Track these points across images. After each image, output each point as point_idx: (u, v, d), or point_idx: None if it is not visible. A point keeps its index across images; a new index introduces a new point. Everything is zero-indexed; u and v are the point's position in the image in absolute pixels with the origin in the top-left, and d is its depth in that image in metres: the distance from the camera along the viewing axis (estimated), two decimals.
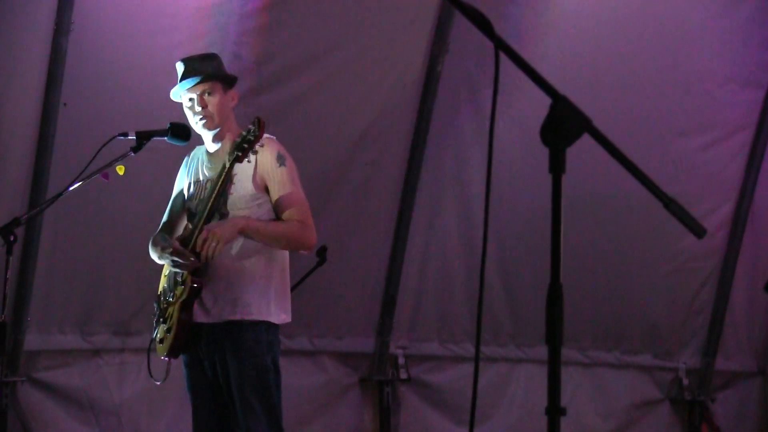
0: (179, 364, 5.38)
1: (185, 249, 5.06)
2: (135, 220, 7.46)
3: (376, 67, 8.02)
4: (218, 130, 5.24)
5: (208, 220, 5.08)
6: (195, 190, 5.31)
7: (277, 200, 5.14)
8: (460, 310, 8.60)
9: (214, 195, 5.01)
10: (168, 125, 5.26)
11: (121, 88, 7.21)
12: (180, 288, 5.11)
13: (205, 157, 5.33)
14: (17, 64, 7.01)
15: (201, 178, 5.30)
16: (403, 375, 8.55)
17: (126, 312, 7.63)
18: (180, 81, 5.25)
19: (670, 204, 2.62)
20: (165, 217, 5.48)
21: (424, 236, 8.48)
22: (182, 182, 5.43)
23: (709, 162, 9.03)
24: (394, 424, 8.54)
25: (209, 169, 5.27)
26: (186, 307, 5.10)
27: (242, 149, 4.89)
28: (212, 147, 5.29)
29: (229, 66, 5.59)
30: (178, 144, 5.30)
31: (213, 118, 5.21)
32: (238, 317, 5.11)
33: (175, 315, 5.12)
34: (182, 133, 5.28)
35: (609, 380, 9.19)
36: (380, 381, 8.53)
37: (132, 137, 5.20)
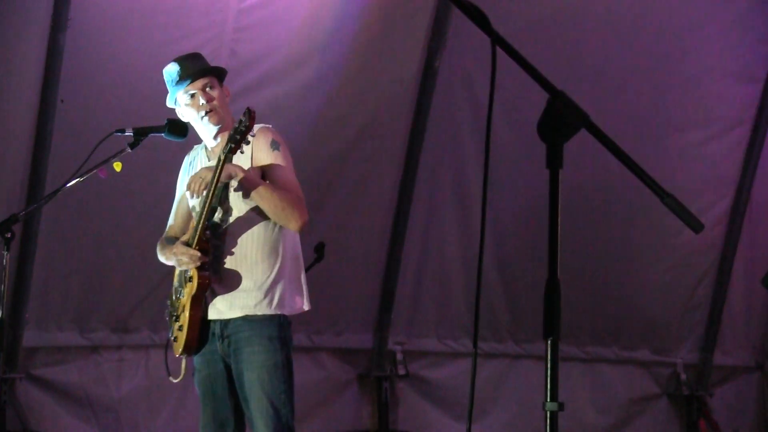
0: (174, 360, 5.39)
1: (188, 247, 5.06)
2: (133, 217, 7.47)
3: (373, 63, 8.02)
4: (221, 124, 5.23)
5: (209, 216, 5.07)
6: None
7: (271, 180, 5.12)
8: (458, 307, 8.60)
9: (212, 189, 5.00)
10: (165, 121, 5.25)
11: (118, 84, 7.21)
12: (189, 284, 5.11)
13: (205, 155, 5.32)
14: (14, 61, 7.00)
15: None
16: (402, 371, 8.56)
17: (124, 309, 7.63)
18: (177, 81, 5.22)
19: (667, 199, 2.62)
20: (171, 221, 5.45)
21: (422, 233, 8.49)
22: (184, 184, 5.42)
23: (707, 157, 9.03)
24: (393, 420, 8.55)
25: (209, 166, 5.26)
26: (196, 302, 5.10)
27: (235, 140, 4.88)
28: (212, 143, 5.28)
29: (226, 62, 5.58)
30: (175, 140, 5.29)
31: (217, 110, 5.21)
32: (250, 312, 5.10)
33: (186, 312, 5.12)
34: (179, 129, 5.27)
35: (607, 376, 9.20)
36: (378, 377, 8.53)
37: (129, 133, 5.19)
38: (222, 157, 4.94)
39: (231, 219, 5.11)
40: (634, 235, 8.96)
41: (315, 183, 7.41)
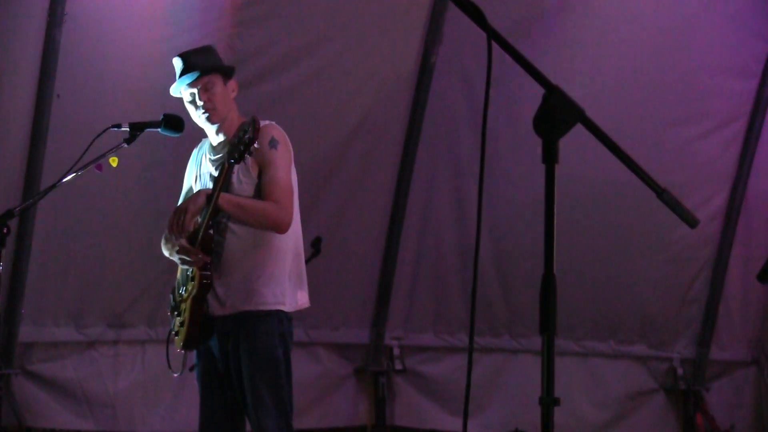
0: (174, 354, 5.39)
1: (192, 246, 5.05)
2: (130, 212, 7.47)
3: (370, 57, 8.02)
4: (222, 122, 5.23)
5: (212, 216, 5.07)
6: (200, 184, 5.30)
7: (261, 180, 5.13)
8: (454, 301, 8.61)
9: (216, 195, 4.99)
10: (161, 116, 5.25)
11: (114, 79, 7.20)
12: (191, 284, 5.12)
13: (208, 150, 5.32)
14: (10, 56, 6.99)
15: (204, 171, 5.30)
16: (398, 366, 8.56)
17: (120, 304, 7.63)
18: (179, 77, 5.23)
19: (663, 194, 2.63)
20: None
21: (419, 227, 8.49)
22: (191, 176, 5.42)
23: (703, 152, 9.03)
24: (389, 415, 8.55)
25: (213, 161, 5.26)
26: (197, 301, 5.11)
27: (238, 151, 4.87)
28: (216, 139, 5.28)
29: (223, 57, 5.57)
30: (171, 135, 5.29)
31: (216, 111, 5.20)
32: (250, 307, 5.11)
33: (188, 310, 5.13)
34: (175, 124, 5.27)
35: (604, 370, 9.20)
36: (375, 372, 8.54)
37: (125, 128, 5.18)
38: (226, 166, 4.93)
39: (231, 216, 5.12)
40: (631, 230, 8.96)
41: (312, 178, 7.41)
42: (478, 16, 2.63)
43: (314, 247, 6.92)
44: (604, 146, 2.61)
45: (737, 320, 9.54)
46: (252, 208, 5.08)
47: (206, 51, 5.33)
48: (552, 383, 2.54)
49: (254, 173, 5.13)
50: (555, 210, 2.57)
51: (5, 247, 5.08)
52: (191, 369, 5.44)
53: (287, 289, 5.18)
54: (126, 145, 5.20)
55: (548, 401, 2.54)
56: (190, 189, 5.39)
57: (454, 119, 8.33)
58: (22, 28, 6.96)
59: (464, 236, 8.47)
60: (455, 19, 7.90)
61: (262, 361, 5.08)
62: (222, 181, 4.96)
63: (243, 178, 5.11)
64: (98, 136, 5.11)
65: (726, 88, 8.98)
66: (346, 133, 8.11)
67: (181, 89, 5.26)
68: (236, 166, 5.06)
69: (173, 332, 5.28)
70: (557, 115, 2.55)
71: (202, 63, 5.22)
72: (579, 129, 2.61)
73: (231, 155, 4.88)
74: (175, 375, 5.38)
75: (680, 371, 9.36)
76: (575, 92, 2.61)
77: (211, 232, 5.09)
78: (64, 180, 5.13)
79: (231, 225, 5.10)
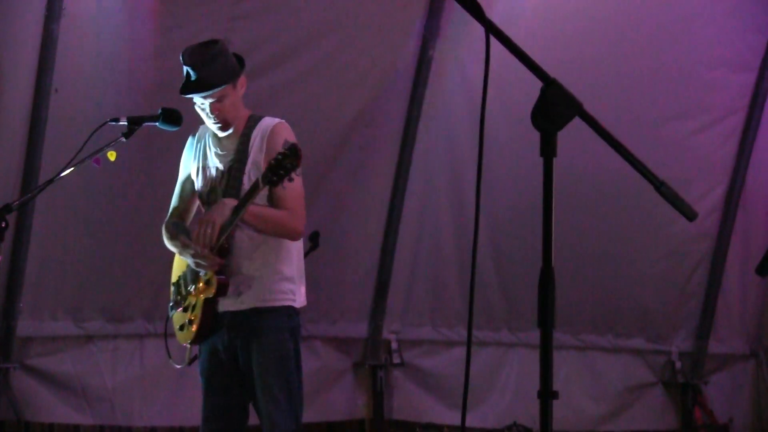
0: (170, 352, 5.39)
1: (209, 251, 5.03)
2: (127, 206, 7.47)
3: (368, 51, 8.01)
4: (230, 128, 5.21)
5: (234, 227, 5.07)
6: (204, 176, 5.29)
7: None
8: (452, 295, 8.61)
9: (243, 211, 4.97)
10: (159, 110, 5.23)
11: (112, 73, 7.19)
12: (204, 286, 5.11)
13: (212, 142, 5.29)
14: (8, 50, 6.99)
15: (210, 164, 5.27)
16: (396, 359, 8.56)
17: (119, 298, 7.63)
18: (188, 90, 5.13)
19: (661, 187, 2.62)
20: (175, 202, 5.43)
21: (417, 221, 8.48)
22: (189, 164, 5.38)
23: (701, 145, 9.03)
24: (388, 409, 8.55)
25: (219, 155, 5.24)
26: (210, 302, 5.11)
27: (278, 176, 4.82)
28: (221, 133, 5.26)
29: None
30: (169, 129, 5.28)
31: (227, 121, 5.18)
32: (262, 303, 5.11)
33: (200, 309, 5.12)
34: (174, 118, 5.25)
35: (602, 364, 9.21)
36: (373, 366, 8.54)
37: (123, 123, 5.17)
38: (260, 187, 4.88)
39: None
40: (629, 224, 8.96)
41: (309, 172, 7.38)
42: (476, 10, 2.63)
43: (312, 242, 6.92)
44: (603, 139, 2.61)
45: (736, 314, 9.55)
46: (270, 219, 5.08)
47: (217, 56, 5.16)
48: (550, 377, 2.54)
49: None
50: (553, 203, 2.56)
51: (3, 242, 5.08)
52: (190, 363, 5.43)
53: (296, 284, 5.20)
54: (124, 140, 5.18)
55: (546, 395, 2.54)
56: (188, 178, 5.37)
57: (452, 112, 8.32)
58: (20, 22, 6.95)
59: (462, 229, 8.46)
60: (453, 12, 7.90)
61: (274, 357, 5.09)
62: (251, 198, 4.94)
63: (254, 179, 5.11)
64: (96, 130, 5.09)
65: (724, 82, 8.98)
66: (343, 128, 8.10)
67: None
68: (247, 166, 5.08)
69: (177, 326, 5.28)
70: (555, 108, 2.55)
71: (214, 77, 5.12)
72: (577, 122, 2.61)
73: (268, 179, 4.80)
74: (178, 367, 5.39)
75: (678, 365, 9.37)
76: (571, 86, 2.61)
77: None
78: (62, 174, 5.12)
79: (241, 223, 5.10)
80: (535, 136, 2.58)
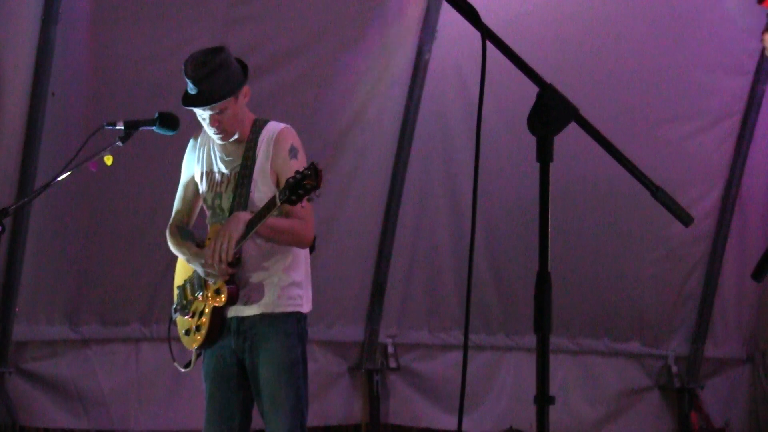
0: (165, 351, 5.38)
1: (221, 262, 5.01)
2: (124, 210, 7.46)
3: (364, 55, 8.01)
4: (232, 138, 5.20)
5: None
6: (209, 181, 5.27)
7: None
8: (449, 299, 8.60)
9: (259, 224, 4.97)
10: (156, 115, 5.23)
11: (108, 77, 7.19)
12: (213, 294, 5.10)
13: (217, 146, 5.26)
14: (5, 54, 6.98)
15: (215, 169, 5.25)
16: (393, 363, 8.55)
17: (114, 302, 7.62)
18: (189, 103, 5.11)
19: (657, 192, 2.63)
20: (177, 205, 5.40)
21: (413, 225, 8.48)
22: (192, 167, 5.35)
23: (697, 149, 9.04)
24: (384, 413, 8.55)
25: (225, 161, 5.22)
26: (218, 310, 5.11)
27: (297, 195, 4.80)
28: (223, 141, 5.24)
29: None
30: (166, 133, 5.27)
31: (227, 132, 5.16)
32: (270, 309, 5.11)
33: (208, 316, 5.12)
34: (171, 122, 5.25)
35: (598, 368, 9.20)
36: (370, 369, 8.53)
37: (120, 127, 5.16)
38: (278, 203, 4.86)
39: None
40: (625, 228, 8.96)
41: None
42: (472, 16, 2.64)
43: None
44: (599, 144, 2.61)
45: (732, 317, 9.55)
46: (283, 230, 5.09)
47: (218, 69, 5.09)
48: (547, 382, 2.54)
49: (272, 181, 5.13)
50: (549, 208, 2.57)
51: (0, 246, 5.09)
52: (186, 366, 5.42)
53: (303, 290, 5.21)
54: (121, 144, 5.18)
55: (543, 399, 2.54)
56: (191, 180, 5.35)
57: (448, 116, 8.32)
58: (16, 26, 6.95)
59: (458, 233, 8.46)
60: (449, 16, 7.90)
61: (283, 362, 5.09)
62: (267, 216, 4.93)
63: (261, 187, 5.10)
64: (93, 134, 5.09)
65: (720, 85, 8.99)
66: (339, 131, 8.10)
67: None
68: (254, 173, 5.07)
69: (182, 332, 5.27)
70: (551, 113, 2.56)
71: (215, 91, 5.06)
72: (573, 126, 2.62)
73: (286, 197, 4.78)
74: (183, 370, 5.39)
75: (675, 369, 9.36)
76: (567, 91, 2.61)
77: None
78: (59, 179, 5.12)
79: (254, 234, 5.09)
80: (532, 139, 2.59)
